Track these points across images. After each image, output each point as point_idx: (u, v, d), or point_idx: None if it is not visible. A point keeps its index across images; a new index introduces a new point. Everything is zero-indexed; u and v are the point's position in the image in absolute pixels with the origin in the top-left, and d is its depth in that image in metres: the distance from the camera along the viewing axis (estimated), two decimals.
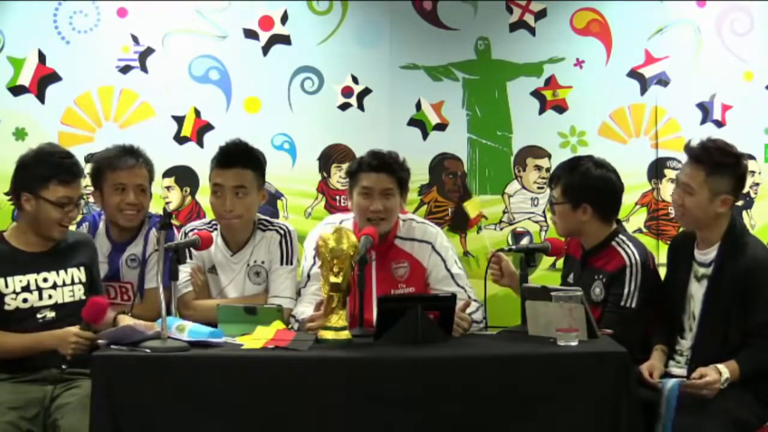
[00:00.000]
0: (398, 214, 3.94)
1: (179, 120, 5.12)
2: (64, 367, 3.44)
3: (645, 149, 5.22)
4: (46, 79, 5.05)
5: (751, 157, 5.09)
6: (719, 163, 3.50)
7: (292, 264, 3.99)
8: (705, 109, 5.22)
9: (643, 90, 5.22)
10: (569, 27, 5.24)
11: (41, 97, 5.05)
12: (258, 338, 3.35)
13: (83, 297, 3.62)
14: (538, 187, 5.23)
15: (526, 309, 3.51)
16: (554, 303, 3.34)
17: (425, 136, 5.23)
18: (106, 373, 3.10)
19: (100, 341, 3.32)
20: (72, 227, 3.76)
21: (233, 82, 5.15)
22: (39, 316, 3.54)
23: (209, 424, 3.11)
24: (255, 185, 3.93)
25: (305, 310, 3.79)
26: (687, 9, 5.24)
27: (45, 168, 3.54)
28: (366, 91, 5.20)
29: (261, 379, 3.13)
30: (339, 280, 3.30)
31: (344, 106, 5.20)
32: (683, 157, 3.64)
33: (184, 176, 5.11)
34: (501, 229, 5.23)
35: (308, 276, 3.94)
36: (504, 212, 5.25)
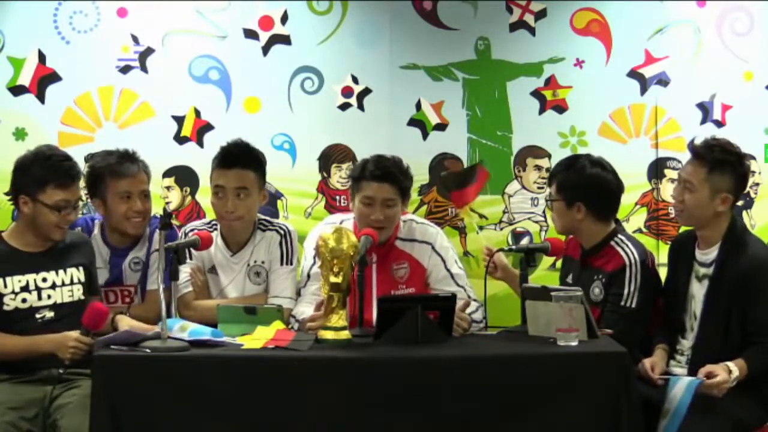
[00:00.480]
0: (400, 218, 3.94)
1: (179, 120, 5.12)
2: (61, 371, 3.44)
3: (645, 149, 5.22)
4: (46, 79, 5.04)
5: (752, 157, 5.09)
6: (721, 160, 3.50)
7: (292, 264, 3.99)
8: (705, 109, 5.22)
9: (643, 90, 5.22)
10: (569, 27, 5.24)
11: (41, 97, 5.05)
12: (258, 338, 3.35)
13: (82, 297, 3.62)
14: (538, 187, 5.23)
15: (526, 309, 3.51)
16: (554, 303, 3.34)
17: (425, 136, 5.23)
18: (106, 373, 3.10)
19: (96, 343, 3.31)
20: None
21: (233, 82, 5.15)
22: (38, 316, 3.54)
23: (209, 424, 3.10)
24: (256, 186, 3.93)
25: (305, 310, 3.79)
26: (687, 9, 5.24)
27: (42, 171, 3.52)
28: (366, 91, 5.20)
29: (261, 379, 3.13)
30: (339, 280, 3.30)
31: (344, 106, 5.20)
32: (683, 157, 3.65)
33: (184, 176, 5.11)
34: (501, 229, 5.24)
35: (308, 276, 3.94)
36: (504, 212, 5.25)
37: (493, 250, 3.96)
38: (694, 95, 5.23)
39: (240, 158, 3.91)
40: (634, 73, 5.23)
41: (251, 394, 3.11)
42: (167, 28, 5.11)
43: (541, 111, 5.24)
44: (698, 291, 3.58)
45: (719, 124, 5.20)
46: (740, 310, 3.45)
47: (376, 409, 3.11)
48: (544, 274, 4.99)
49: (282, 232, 4.02)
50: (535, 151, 5.24)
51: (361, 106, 5.20)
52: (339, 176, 5.19)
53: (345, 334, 3.32)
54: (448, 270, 3.92)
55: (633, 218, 5.21)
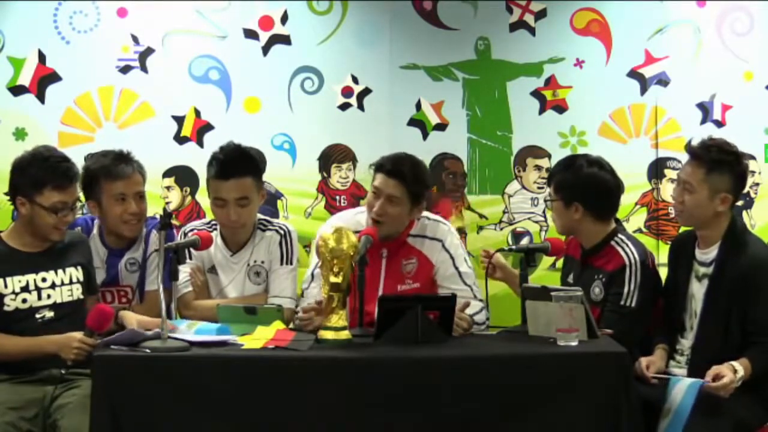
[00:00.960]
0: (405, 221, 3.90)
1: (179, 120, 5.12)
2: (63, 372, 3.44)
3: (645, 149, 5.23)
4: (46, 79, 5.04)
5: (751, 157, 5.09)
6: (719, 160, 3.50)
7: (292, 264, 3.98)
8: (705, 109, 5.22)
9: (643, 90, 5.22)
10: (569, 27, 5.24)
11: (41, 97, 5.05)
12: (258, 338, 3.34)
13: (81, 296, 3.62)
14: (538, 187, 5.23)
15: (526, 309, 3.51)
16: (554, 303, 3.34)
17: (425, 136, 5.23)
18: (106, 373, 3.10)
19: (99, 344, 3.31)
20: None
21: (233, 82, 5.15)
22: (38, 316, 3.53)
23: (209, 424, 3.11)
24: (255, 190, 3.90)
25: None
26: (687, 9, 5.24)
27: (39, 173, 3.50)
28: (366, 91, 5.20)
29: (261, 379, 3.13)
30: (339, 280, 3.30)
31: (344, 106, 5.20)
32: (683, 157, 3.64)
33: (184, 176, 5.11)
34: (501, 229, 5.24)
35: (312, 276, 3.94)
36: (504, 212, 5.25)
37: (491, 252, 3.96)
38: (694, 95, 5.23)
39: (237, 167, 3.85)
40: (634, 73, 5.23)
41: (251, 394, 3.11)
42: (167, 28, 5.11)
43: (541, 111, 5.24)
44: (698, 290, 3.58)
45: (719, 124, 5.20)
46: (740, 309, 3.46)
47: (376, 409, 3.11)
48: (544, 274, 4.99)
49: (282, 232, 4.01)
50: (535, 151, 5.24)
51: (361, 106, 5.20)
52: (339, 176, 5.19)
53: (345, 334, 3.32)
54: (457, 268, 3.90)
55: (633, 218, 5.21)
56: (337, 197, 5.19)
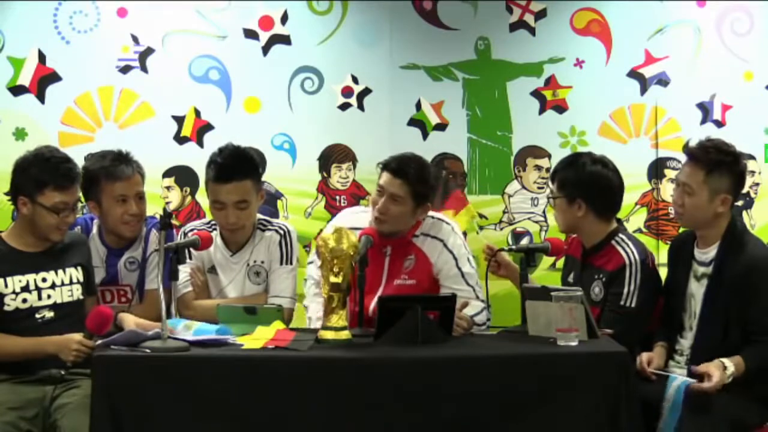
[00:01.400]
0: (408, 221, 3.90)
1: (179, 120, 5.12)
2: (63, 372, 3.44)
3: (645, 149, 5.23)
4: (46, 79, 5.05)
5: (751, 157, 5.10)
6: (717, 161, 3.50)
7: (291, 264, 3.98)
8: (705, 109, 5.23)
9: (643, 90, 5.23)
10: (569, 27, 5.24)
11: (41, 97, 5.05)
12: (258, 338, 3.34)
13: (81, 297, 3.62)
14: (538, 187, 5.23)
15: (526, 309, 3.51)
16: (554, 303, 3.34)
17: (425, 136, 5.23)
18: (106, 373, 3.10)
19: (97, 342, 3.31)
20: None
21: (233, 82, 5.15)
22: (38, 316, 3.53)
23: (209, 424, 3.10)
24: (254, 192, 3.90)
25: (319, 308, 3.76)
26: (687, 9, 5.25)
27: (41, 173, 3.50)
28: (366, 91, 5.20)
29: (261, 379, 3.13)
30: (339, 280, 3.30)
31: (344, 106, 5.20)
32: (683, 157, 3.64)
33: (184, 176, 5.11)
34: (501, 229, 5.24)
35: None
36: (504, 212, 5.25)
37: (495, 248, 3.96)
38: (694, 95, 5.23)
39: (236, 170, 3.83)
40: (634, 73, 5.23)
41: (251, 394, 3.10)
42: (167, 28, 5.12)
43: (541, 111, 5.24)
44: (697, 290, 3.58)
45: (719, 124, 5.20)
46: (739, 309, 3.45)
47: (376, 409, 3.11)
48: (545, 274, 4.99)
49: (282, 232, 4.01)
50: (535, 151, 5.25)
51: (361, 106, 5.20)
52: (339, 176, 5.19)
53: (345, 334, 3.32)
54: (459, 268, 3.89)
55: (633, 218, 5.21)
56: (337, 197, 5.20)
